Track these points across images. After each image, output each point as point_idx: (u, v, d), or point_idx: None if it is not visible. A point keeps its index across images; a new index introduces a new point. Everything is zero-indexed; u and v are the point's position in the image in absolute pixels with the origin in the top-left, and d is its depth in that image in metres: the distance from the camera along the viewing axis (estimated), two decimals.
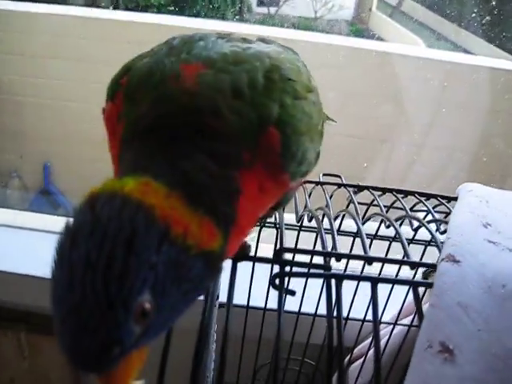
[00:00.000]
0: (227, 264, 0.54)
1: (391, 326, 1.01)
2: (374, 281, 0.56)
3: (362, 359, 1.06)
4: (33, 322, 1.50)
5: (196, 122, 0.52)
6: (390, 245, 0.89)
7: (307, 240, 0.88)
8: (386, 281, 0.58)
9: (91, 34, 3.52)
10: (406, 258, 0.59)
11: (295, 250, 0.59)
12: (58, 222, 1.51)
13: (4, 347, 1.54)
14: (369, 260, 0.58)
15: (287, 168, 0.57)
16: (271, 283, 0.48)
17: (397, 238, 0.63)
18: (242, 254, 0.62)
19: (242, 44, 0.63)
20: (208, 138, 0.51)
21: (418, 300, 0.56)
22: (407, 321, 1.00)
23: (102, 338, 0.40)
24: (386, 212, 0.81)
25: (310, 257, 0.65)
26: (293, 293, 0.55)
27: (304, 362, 1.11)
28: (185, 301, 0.46)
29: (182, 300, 0.46)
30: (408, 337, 0.93)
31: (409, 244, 0.62)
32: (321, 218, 0.66)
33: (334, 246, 0.57)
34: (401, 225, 0.72)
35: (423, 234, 0.76)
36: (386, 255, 0.86)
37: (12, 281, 1.36)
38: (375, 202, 0.82)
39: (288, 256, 0.57)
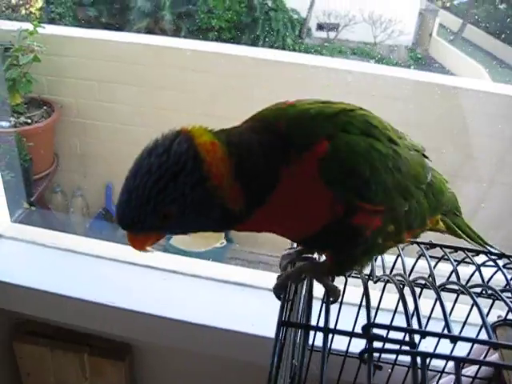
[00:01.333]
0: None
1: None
2: (460, 360, 0.55)
3: None
4: (95, 345, 1.56)
5: (274, 128, 0.68)
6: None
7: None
8: (471, 361, 0.56)
9: (156, 60, 3.64)
10: (487, 338, 0.56)
11: (384, 327, 0.56)
12: (120, 250, 1.58)
13: (67, 368, 1.61)
14: (455, 339, 0.56)
15: (330, 184, 0.64)
16: (360, 358, 0.48)
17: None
18: (334, 298, 0.71)
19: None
20: (276, 137, 0.66)
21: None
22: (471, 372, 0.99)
23: (137, 217, 0.62)
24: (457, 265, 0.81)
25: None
26: (380, 367, 0.56)
27: None
28: (194, 227, 0.66)
29: (193, 225, 0.65)
30: None
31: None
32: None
33: (419, 323, 0.55)
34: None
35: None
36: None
37: (77, 306, 1.42)
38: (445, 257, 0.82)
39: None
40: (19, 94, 3.39)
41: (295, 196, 0.64)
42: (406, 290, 0.66)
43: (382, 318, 0.70)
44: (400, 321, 0.68)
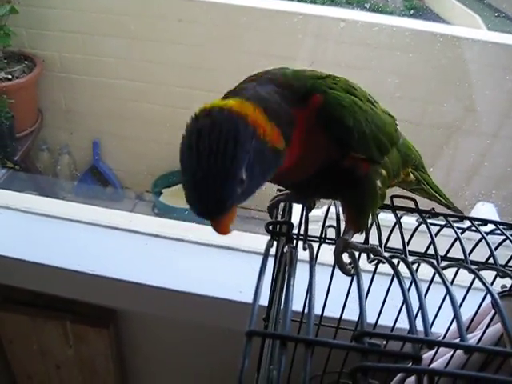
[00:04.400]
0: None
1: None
2: (475, 377, 0.48)
3: None
4: (78, 312, 1.50)
5: (277, 82, 0.75)
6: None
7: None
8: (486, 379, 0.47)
9: (143, 11, 3.49)
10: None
11: (382, 335, 0.49)
12: (100, 214, 1.50)
13: (50, 335, 1.55)
14: (468, 350, 0.49)
15: (324, 130, 0.73)
16: (352, 376, 0.39)
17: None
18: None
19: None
20: (282, 88, 0.74)
21: None
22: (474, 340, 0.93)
23: (221, 195, 0.63)
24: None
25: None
26: None
27: None
28: (262, 178, 0.68)
29: (260, 176, 0.67)
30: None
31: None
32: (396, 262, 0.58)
33: (426, 331, 0.45)
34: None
35: None
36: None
37: (55, 275, 1.35)
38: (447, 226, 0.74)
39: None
40: None
41: (305, 138, 0.72)
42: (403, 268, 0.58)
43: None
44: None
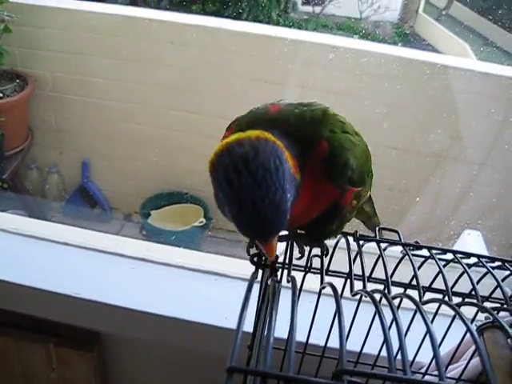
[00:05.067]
0: None
1: None
2: None
3: None
4: (62, 335, 1.49)
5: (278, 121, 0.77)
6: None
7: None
8: None
9: (135, 33, 3.51)
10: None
11: (359, 374, 0.46)
12: (87, 237, 1.50)
13: (33, 358, 1.54)
14: None
15: (332, 176, 0.75)
16: None
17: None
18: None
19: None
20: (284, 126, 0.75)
21: None
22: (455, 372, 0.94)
23: (273, 225, 0.64)
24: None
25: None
26: None
27: None
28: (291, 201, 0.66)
29: (291, 201, 0.66)
30: None
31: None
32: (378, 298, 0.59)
33: (404, 368, 0.44)
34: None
35: None
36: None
37: (40, 297, 1.34)
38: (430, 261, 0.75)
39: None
40: None
41: (312, 182, 0.73)
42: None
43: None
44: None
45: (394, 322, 0.53)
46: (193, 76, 3.50)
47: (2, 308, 1.43)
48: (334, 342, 1.05)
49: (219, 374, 1.39)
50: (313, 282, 0.89)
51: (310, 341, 1.06)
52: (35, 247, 1.45)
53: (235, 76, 3.46)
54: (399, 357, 0.50)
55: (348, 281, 0.80)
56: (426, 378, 1.05)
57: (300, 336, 0.55)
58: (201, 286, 1.38)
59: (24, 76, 3.59)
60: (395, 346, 0.48)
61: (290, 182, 0.64)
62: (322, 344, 1.06)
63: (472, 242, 2.19)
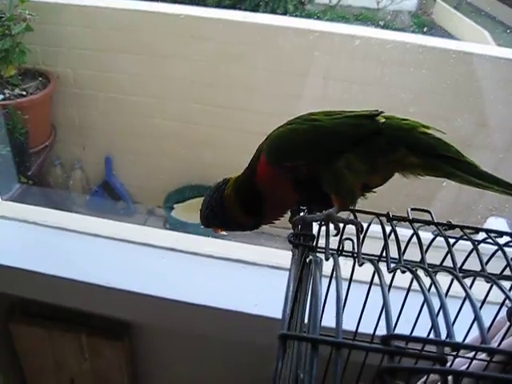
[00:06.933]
0: None
1: None
2: (500, 381, 0.47)
3: None
4: (94, 325, 1.51)
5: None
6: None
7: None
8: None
9: (155, 28, 3.53)
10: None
11: (410, 338, 0.51)
12: (116, 228, 1.52)
13: (66, 348, 1.56)
14: (493, 352, 0.46)
15: (270, 161, 0.86)
16: (379, 377, 0.40)
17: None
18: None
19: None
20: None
21: None
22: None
23: (204, 221, 0.96)
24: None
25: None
26: None
27: None
28: (229, 228, 0.98)
29: (227, 226, 0.97)
30: None
31: None
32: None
33: (449, 334, 0.47)
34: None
35: None
36: None
37: (71, 287, 1.37)
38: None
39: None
40: (13, 66, 3.29)
41: (267, 181, 0.89)
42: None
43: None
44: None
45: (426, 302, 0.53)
46: (214, 69, 3.51)
47: (35, 299, 1.46)
48: (363, 328, 1.05)
49: (248, 362, 1.40)
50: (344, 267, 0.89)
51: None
52: (66, 239, 1.47)
53: (256, 68, 3.46)
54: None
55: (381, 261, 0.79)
56: (458, 359, 1.05)
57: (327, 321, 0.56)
58: (229, 274, 1.39)
59: (46, 74, 3.63)
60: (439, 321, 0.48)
61: (216, 201, 0.93)
62: (353, 329, 1.06)
63: (498, 227, 2.17)
